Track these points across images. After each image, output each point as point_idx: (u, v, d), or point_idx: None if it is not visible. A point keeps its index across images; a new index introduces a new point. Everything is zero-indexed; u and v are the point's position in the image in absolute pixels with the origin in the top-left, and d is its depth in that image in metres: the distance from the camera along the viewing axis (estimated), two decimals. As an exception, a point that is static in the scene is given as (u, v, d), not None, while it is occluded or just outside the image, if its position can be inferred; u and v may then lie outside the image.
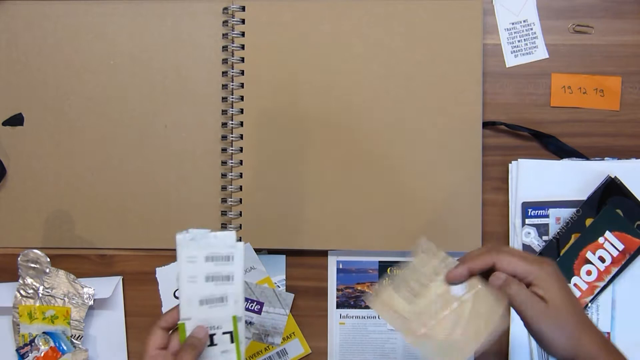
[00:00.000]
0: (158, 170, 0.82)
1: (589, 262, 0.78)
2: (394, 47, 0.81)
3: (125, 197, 0.82)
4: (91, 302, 0.82)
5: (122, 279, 0.83)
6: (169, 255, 0.83)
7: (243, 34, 0.81)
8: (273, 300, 0.81)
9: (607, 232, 0.78)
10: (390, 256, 0.82)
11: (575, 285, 0.79)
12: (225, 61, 0.82)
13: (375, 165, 0.80)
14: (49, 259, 0.82)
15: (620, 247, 0.78)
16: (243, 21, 0.81)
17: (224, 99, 0.82)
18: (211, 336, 0.67)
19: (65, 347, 0.80)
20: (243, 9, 0.81)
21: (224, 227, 0.81)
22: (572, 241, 0.79)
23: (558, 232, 0.79)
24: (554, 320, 0.57)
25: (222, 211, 0.82)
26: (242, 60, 0.81)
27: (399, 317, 0.62)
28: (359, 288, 0.82)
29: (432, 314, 0.62)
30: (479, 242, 0.80)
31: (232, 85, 0.81)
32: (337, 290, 0.82)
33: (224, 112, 0.81)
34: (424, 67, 0.80)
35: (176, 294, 0.83)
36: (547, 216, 0.80)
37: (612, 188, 0.79)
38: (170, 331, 0.65)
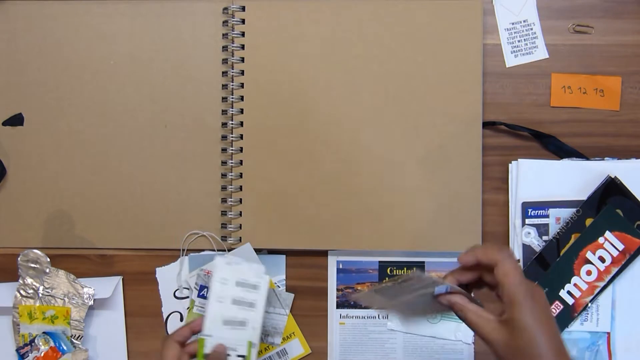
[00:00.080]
0: (158, 170, 0.82)
1: (589, 262, 0.78)
2: (394, 47, 0.81)
3: (125, 197, 0.82)
4: (91, 302, 0.82)
5: (122, 279, 0.83)
6: (169, 255, 0.83)
7: (243, 34, 0.81)
8: (273, 301, 0.81)
9: (607, 232, 0.78)
10: (390, 256, 0.82)
11: (575, 285, 0.79)
12: (225, 61, 0.82)
13: (375, 165, 0.80)
14: (49, 259, 0.82)
15: (620, 247, 0.78)
16: (243, 21, 0.81)
17: (224, 99, 0.82)
18: (226, 356, 0.72)
19: (65, 347, 0.80)
20: (243, 9, 0.81)
21: (223, 227, 0.81)
22: (572, 241, 0.79)
23: (558, 232, 0.79)
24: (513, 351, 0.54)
25: (222, 211, 0.82)
26: (242, 60, 0.81)
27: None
28: (359, 288, 0.82)
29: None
30: (479, 242, 0.80)
31: (232, 85, 0.81)
32: (337, 290, 0.82)
33: (224, 112, 0.81)
34: (424, 67, 0.80)
35: (177, 294, 0.83)
36: (547, 216, 0.80)
37: (612, 188, 0.79)
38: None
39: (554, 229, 0.80)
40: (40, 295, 0.81)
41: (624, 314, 0.80)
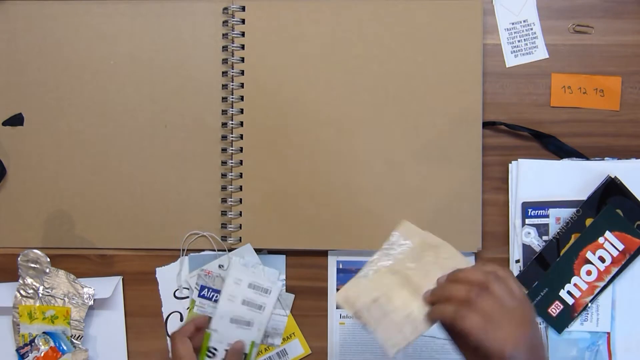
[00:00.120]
0: (158, 170, 0.82)
1: (589, 262, 0.78)
2: (394, 47, 0.81)
3: (125, 197, 0.82)
4: (91, 302, 0.82)
5: (122, 279, 0.83)
6: (169, 255, 0.83)
7: (243, 34, 0.81)
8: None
9: (607, 232, 0.78)
10: (390, 256, 0.82)
11: (575, 285, 0.79)
12: (225, 61, 0.82)
13: (375, 165, 0.80)
14: (49, 259, 0.82)
15: (620, 247, 0.78)
16: (243, 21, 0.81)
17: (224, 99, 0.82)
18: (227, 352, 0.73)
19: (65, 347, 0.80)
20: (243, 9, 0.81)
21: (223, 227, 0.81)
22: (572, 241, 0.79)
23: (558, 232, 0.79)
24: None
25: (222, 211, 0.82)
26: (242, 60, 0.81)
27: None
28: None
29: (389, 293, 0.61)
30: (479, 242, 0.80)
31: (232, 85, 0.81)
32: (337, 290, 0.82)
33: (224, 112, 0.81)
34: (424, 67, 0.80)
35: (177, 294, 0.83)
36: (547, 216, 0.80)
37: (612, 188, 0.79)
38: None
39: (554, 229, 0.80)
40: (40, 295, 0.81)
41: (624, 314, 0.80)
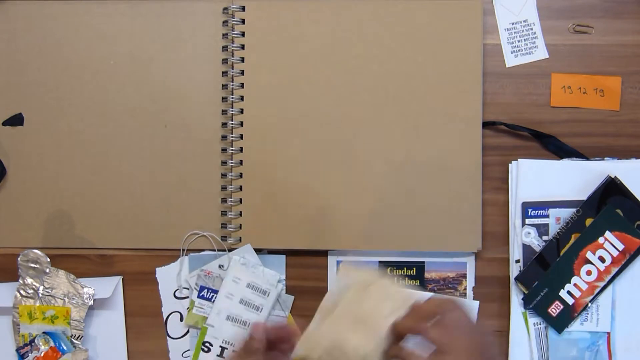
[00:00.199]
0: (158, 171, 0.82)
1: (589, 262, 0.78)
2: (394, 47, 0.81)
3: (125, 197, 0.82)
4: (91, 302, 0.81)
5: (122, 279, 0.83)
6: (169, 255, 0.83)
7: (243, 34, 0.81)
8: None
9: (607, 232, 0.78)
10: (390, 256, 0.82)
11: (575, 285, 0.79)
12: (225, 61, 0.82)
13: (375, 165, 0.80)
14: (49, 259, 0.82)
15: (620, 247, 0.78)
16: (243, 21, 0.81)
17: (224, 99, 0.82)
18: (222, 349, 0.77)
19: (65, 347, 0.80)
20: (243, 9, 0.81)
21: (223, 227, 0.81)
22: (572, 241, 0.79)
23: (558, 232, 0.79)
24: None
25: (222, 211, 0.82)
26: (242, 60, 0.81)
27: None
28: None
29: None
30: (479, 242, 0.80)
31: (232, 85, 0.81)
32: (337, 290, 0.82)
33: (224, 112, 0.81)
34: (424, 67, 0.80)
35: (177, 294, 0.83)
36: (547, 216, 0.80)
37: (612, 188, 0.79)
38: None
39: (554, 229, 0.80)
40: (40, 295, 0.81)
41: (624, 314, 0.79)
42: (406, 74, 0.80)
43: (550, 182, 0.80)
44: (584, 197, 0.79)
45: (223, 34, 0.82)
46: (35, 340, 0.80)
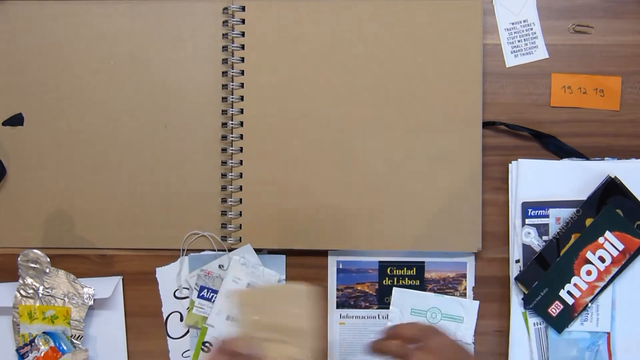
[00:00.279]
0: (158, 170, 0.82)
1: (589, 262, 0.78)
2: (394, 47, 0.81)
3: (125, 197, 0.82)
4: (91, 302, 0.81)
5: (122, 279, 0.83)
6: (169, 255, 0.83)
7: (243, 34, 0.81)
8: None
9: (607, 232, 0.78)
10: (390, 256, 0.82)
11: (575, 285, 0.79)
12: (225, 61, 0.82)
13: (375, 165, 0.80)
14: (49, 259, 0.82)
15: (620, 247, 0.78)
16: (243, 21, 0.81)
17: (224, 99, 0.82)
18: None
19: (65, 347, 0.80)
20: (243, 9, 0.81)
21: (223, 227, 0.81)
22: (572, 241, 0.79)
23: (558, 232, 0.79)
24: None
25: (222, 211, 0.82)
26: (242, 60, 0.81)
27: None
28: (359, 288, 0.82)
29: None
30: (479, 242, 0.80)
31: (232, 85, 0.81)
32: (337, 290, 0.82)
33: (224, 112, 0.81)
34: (424, 67, 0.80)
35: (177, 294, 0.83)
36: (547, 216, 0.80)
37: (612, 188, 0.79)
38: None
39: (554, 229, 0.80)
40: (40, 295, 0.81)
41: (624, 314, 0.80)
42: (406, 74, 0.80)
43: (550, 182, 0.80)
44: (584, 197, 0.79)
45: (223, 34, 0.82)
46: (35, 340, 0.80)
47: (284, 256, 0.82)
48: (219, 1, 0.82)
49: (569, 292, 0.79)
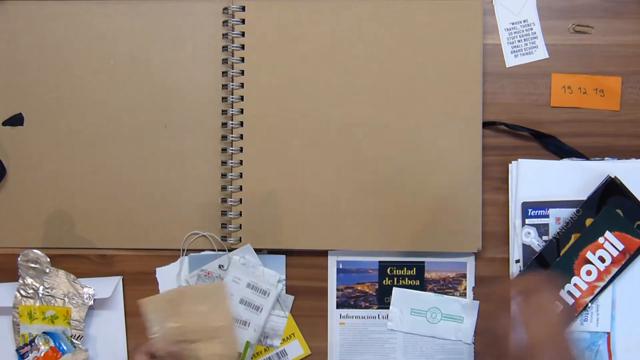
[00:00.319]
0: (158, 170, 0.82)
1: (589, 262, 0.78)
2: (394, 47, 0.81)
3: (125, 197, 0.82)
4: (91, 302, 0.82)
5: (122, 279, 0.83)
6: (169, 255, 0.83)
7: (243, 34, 0.81)
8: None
9: (607, 232, 0.78)
10: (390, 256, 0.82)
11: (575, 285, 0.79)
12: (225, 61, 0.82)
13: (375, 165, 0.80)
14: (49, 259, 0.82)
15: (620, 247, 0.78)
16: (243, 21, 0.81)
17: (224, 99, 0.82)
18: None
19: (65, 347, 0.80)
20: (243, 9, 0.81)
21: (223, 227, 0.81)
22: (572, 241, 0.79)
23: (558, 232, 0.79)
24: None
25: (222, 211, 0.82)
26: (242, 60, 0.81)
27: None
28: (359, 288, 0.82)
29: None
30: (479, 242, 0.80)
31: (232, 85, 0.81)
32: (337, 290, 0.82)
33: (224, 112, 0.81)
34: (424, 67, 0.80)
35: (176, 294, 0.83)
36: (547, 216, 0.80)
37: (612, 188, 0.79)
38: None
39: (554, 229, 0.80)
40: (40, 295, 0.81)
41: (624, 314, 0.80)
42: (406, 74, 0.80)
43: (550, 182, 0.80)
44: (584, 197, 0.79)
45: (223, 34, 0.82)
46: (35, 340, 0.80)
47: (284, 256, 0.82)
48: (219, 1, 0.82)
49: (569, 292, 0.79)
